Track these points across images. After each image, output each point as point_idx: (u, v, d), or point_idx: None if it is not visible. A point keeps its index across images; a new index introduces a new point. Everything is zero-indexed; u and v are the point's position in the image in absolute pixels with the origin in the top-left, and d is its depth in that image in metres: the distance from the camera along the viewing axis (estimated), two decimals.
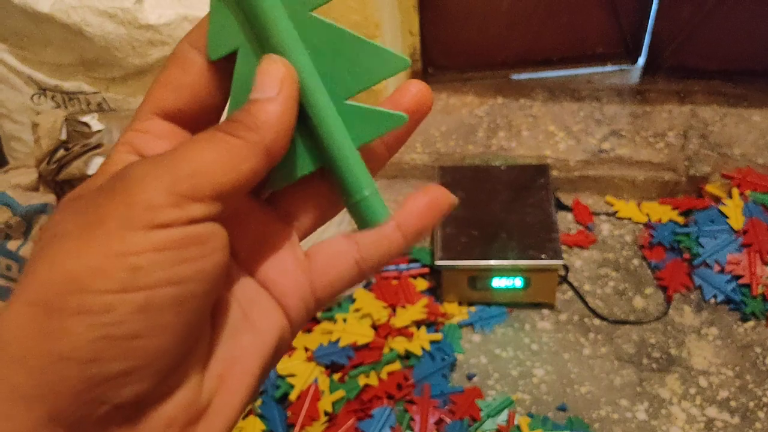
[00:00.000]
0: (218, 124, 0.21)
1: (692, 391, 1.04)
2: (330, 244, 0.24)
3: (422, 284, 1.20)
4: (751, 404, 1.02)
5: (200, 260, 0.20)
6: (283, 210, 0.25)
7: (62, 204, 0.21)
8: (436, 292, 1.20)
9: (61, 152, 0.81)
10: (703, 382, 1.05)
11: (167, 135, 0.23)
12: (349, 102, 0.24)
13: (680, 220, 1.26)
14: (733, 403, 1.02)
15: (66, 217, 0.20)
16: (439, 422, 1.01)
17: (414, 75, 1.56)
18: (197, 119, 0.23)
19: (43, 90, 0.95)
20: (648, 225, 1.27)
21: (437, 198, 0.25)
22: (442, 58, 1.52)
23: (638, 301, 1.17)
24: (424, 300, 1.15)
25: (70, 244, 0.19)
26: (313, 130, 0.24)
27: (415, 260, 1.25)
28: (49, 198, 0.83)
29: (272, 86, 0.22)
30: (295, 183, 0.25)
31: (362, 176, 0.24)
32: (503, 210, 1.19)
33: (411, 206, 0.24)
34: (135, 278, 0.18)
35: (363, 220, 0.24)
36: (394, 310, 1.14)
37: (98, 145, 0.82)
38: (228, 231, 0.21)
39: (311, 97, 0.23)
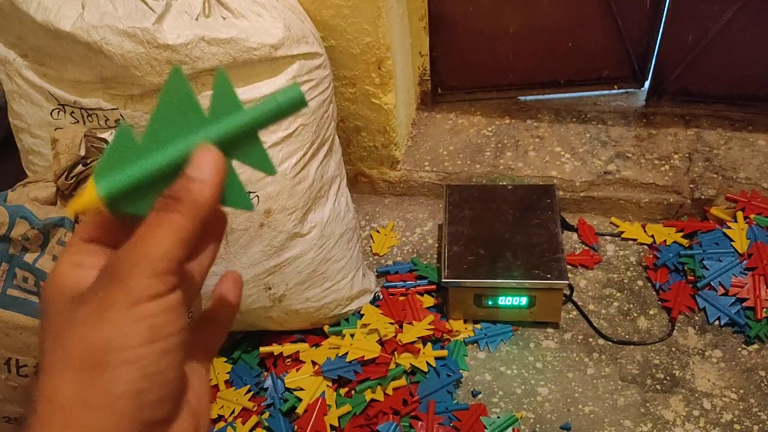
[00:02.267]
0: (164, 202, 0.29)
1: (696, 413, 1.05)
2: None
3: (429, 301, 1.22)
4: (756, 428, 1.02)
5: (183, 316, 0.28)
6: None
7: (55, 304, 0.29)
8: (442, 309, 1.21)
9: (79, 167, 0.83)
10: (706, 404, 1.06)
11: (91, 252, 0.31)
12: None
13: (684, 242, 1.27)
14: (737, 426, 1.02)
15: (73, 307, 0.28)
16: None
17: (424, 95, 1.58)
18: (109, 240, 0.32)
19: (62, 106, 0.98)
20: (653, 246, 1.29)
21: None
22: (451, 78, 1.55)
23: (642, 322, 1.18)
24: (431, 317, 1.16)
25: (93, 322, 0.27)
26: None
27: (422, 277, 1.27)
28: (67, 212, 0.85)
29: (209, 171, 0.29)
30: None
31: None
32: (509, 229, 1.21)
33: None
34: (154, 334, 0.27)
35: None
36: (400, 326, 1.16)
37: None
38: None
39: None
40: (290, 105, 0.29)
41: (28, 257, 0.84)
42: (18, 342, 0.85)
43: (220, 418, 1.08)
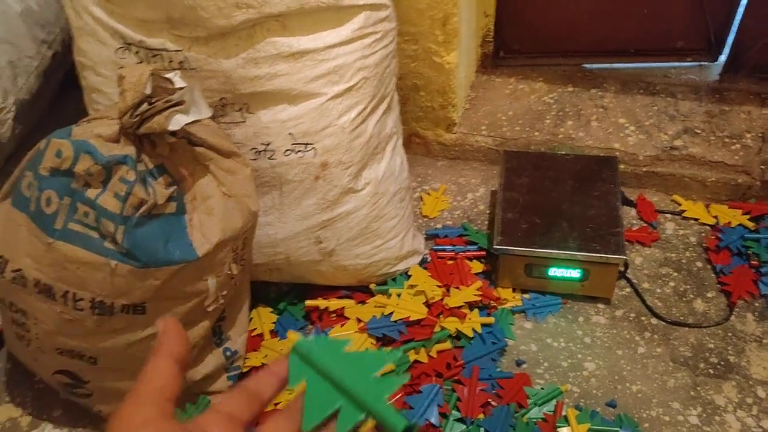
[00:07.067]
0: None
1: (749, 400, 1.01)
2: None
3: (477, 267, 1.20)
4: None
5: None
6: None
7: None
8: (491, 276, 1.19)
9: (144, 106, 0.82)
10: (761, 392, 1.02)
11: None
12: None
13: (750, 225, 1.22)
14: None
15: None
16: (486, 405, 1.01)
17: (485, 57, 1.54)
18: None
19: (127, 45, 0.97)
20: (716, 228, 1.24)
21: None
22: (515, 41, 1.50)
23: (699, 304, 1.14)
24: (479, 283, 1.15)
25: None
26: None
27: (472, 243, 1.25)
28: (129, 150, 0.85)
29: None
30: None
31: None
32: (566, 199, 1.17)
33: None
34: None
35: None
36: (448, 289, 1.14)
37: (180, 102, 0.83)
38: None
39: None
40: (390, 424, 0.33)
41: (90, 193, 0.85)
42: (74, 276, 0.87)
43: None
